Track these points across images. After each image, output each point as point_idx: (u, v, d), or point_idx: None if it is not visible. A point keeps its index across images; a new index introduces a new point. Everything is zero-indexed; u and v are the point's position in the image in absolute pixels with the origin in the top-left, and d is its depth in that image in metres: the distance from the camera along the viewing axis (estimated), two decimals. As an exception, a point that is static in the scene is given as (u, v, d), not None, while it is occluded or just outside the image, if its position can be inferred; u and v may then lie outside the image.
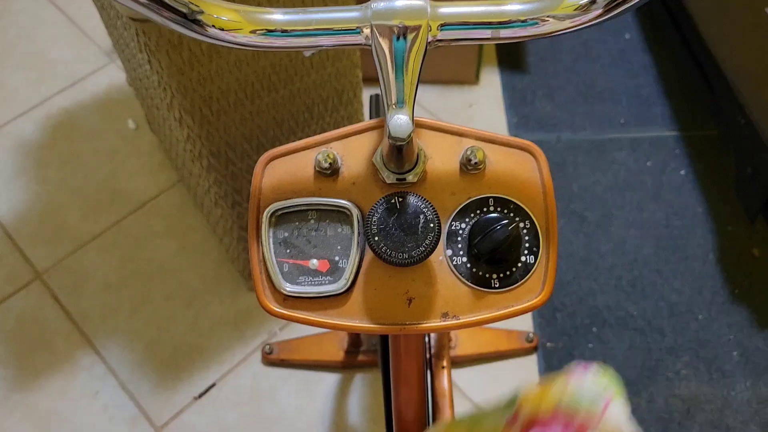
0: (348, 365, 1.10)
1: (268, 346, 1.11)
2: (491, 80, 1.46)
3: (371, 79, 1.36)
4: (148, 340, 1.14)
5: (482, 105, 1.43)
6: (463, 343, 1.10)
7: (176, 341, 1.14)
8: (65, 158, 1.35)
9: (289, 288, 0.41)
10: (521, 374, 1.10)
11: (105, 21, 1.08)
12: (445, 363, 0.78)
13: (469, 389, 1.09)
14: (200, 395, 1.09)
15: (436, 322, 0.41)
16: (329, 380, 1.10)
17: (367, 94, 1.04)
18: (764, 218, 1.07)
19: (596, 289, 1.18)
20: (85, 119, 1.41)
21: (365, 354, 1.10)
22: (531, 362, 1.11)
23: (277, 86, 0.89)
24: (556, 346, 1.12)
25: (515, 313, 0.41)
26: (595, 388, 0.42)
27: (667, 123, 1.37)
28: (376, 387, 1.10)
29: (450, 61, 1.40)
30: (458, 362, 1.10)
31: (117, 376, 1.11)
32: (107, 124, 1.40)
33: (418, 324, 0.41)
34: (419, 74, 0.37)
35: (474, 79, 1.44)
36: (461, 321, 0.41)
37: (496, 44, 1.51)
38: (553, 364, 1.11)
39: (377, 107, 0.75)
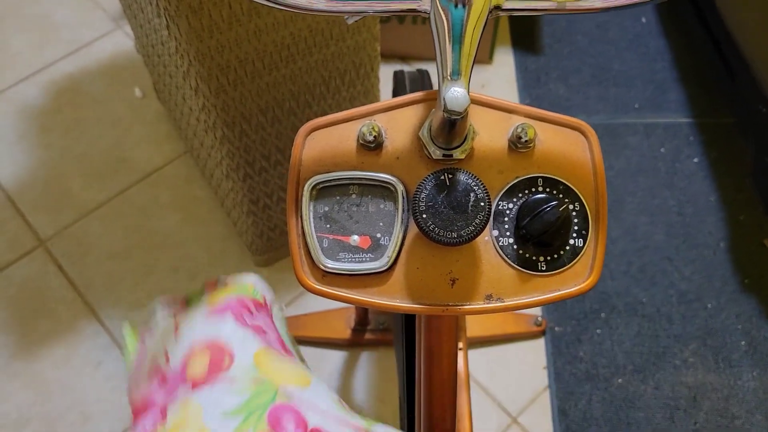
0: (355, 343, 1.09)
1: (274, 322, 1.09)
2: (505, 60, 1.44)
3: (388, 55, 1.34)
4: (153, 311, 1.13)
5: (495, 85, 1.40)
6: (471, 326, 1.09)
7: (181, 314, 1.12)
8: (69, 125, 1.32)
9: (329, 264, 0.40)
10: (528, 357, 1.10)
11: (116, -16, 1.05)
12: (461, 345, 0.77)
13: (476, 371, 1.08)
14: (205, 369, 1.08)
15: (479, 304, 0.40)
16: (335, 357, 1.09)
17: (384, 69, 1.02)
18: (780, 209, 1.07)
19: (606, 275, 1.17)
20: (90, 86, 1.38)
21: (372, 332, 1.09)
22: (538, 346, 1.11)
23: (296, 57, 0.87)
24: (564, 331, 1.12)
25: (562, 297, 0.40)
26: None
27: (681, 109, 1.35)
28: (383, 366, 1.09)
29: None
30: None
31: (121, 347, 1.09)
32: (113, 92, 1.37)
33: (462, 305, 0.40)
34: (478, 45, 0.36)
35: (488, 59, 1.42)
36: (505, 304, 0.40)
37: (512, 24, 1.49)
38: (560, 348, 1.10)
39: (402, 84, 0.73)
